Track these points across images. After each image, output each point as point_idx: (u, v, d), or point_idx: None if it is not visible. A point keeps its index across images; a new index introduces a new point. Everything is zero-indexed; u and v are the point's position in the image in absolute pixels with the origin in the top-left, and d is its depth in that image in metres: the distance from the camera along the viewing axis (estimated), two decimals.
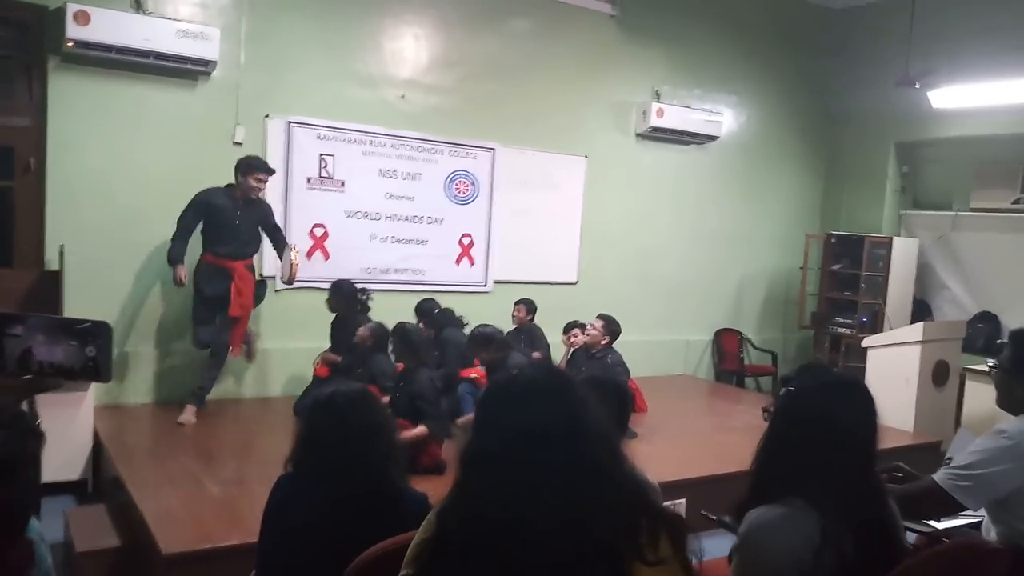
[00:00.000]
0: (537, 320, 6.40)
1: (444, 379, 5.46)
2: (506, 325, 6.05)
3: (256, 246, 5.47)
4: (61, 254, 4.97)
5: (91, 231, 5.35)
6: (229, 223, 5.22)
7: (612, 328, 5.77)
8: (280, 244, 5.54)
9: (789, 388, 1.95)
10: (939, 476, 2.41)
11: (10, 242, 5.35)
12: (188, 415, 5.20)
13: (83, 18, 5.02)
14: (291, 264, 5.32)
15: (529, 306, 6.36)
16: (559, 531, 1.34)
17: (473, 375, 5.45)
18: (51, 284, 5.00)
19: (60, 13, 5.04)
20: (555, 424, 1.42)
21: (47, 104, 5.27)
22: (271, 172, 5.34)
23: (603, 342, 5.71)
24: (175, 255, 5.15)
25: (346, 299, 5.61)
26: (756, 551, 1.80)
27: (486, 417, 1.53)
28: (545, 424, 1.42)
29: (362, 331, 5.15)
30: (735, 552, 1.85)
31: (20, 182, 5.34)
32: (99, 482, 4.70)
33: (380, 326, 5.14)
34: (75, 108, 5.32)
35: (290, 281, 5.42)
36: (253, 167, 5.24)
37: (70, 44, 5.07)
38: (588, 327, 5.86)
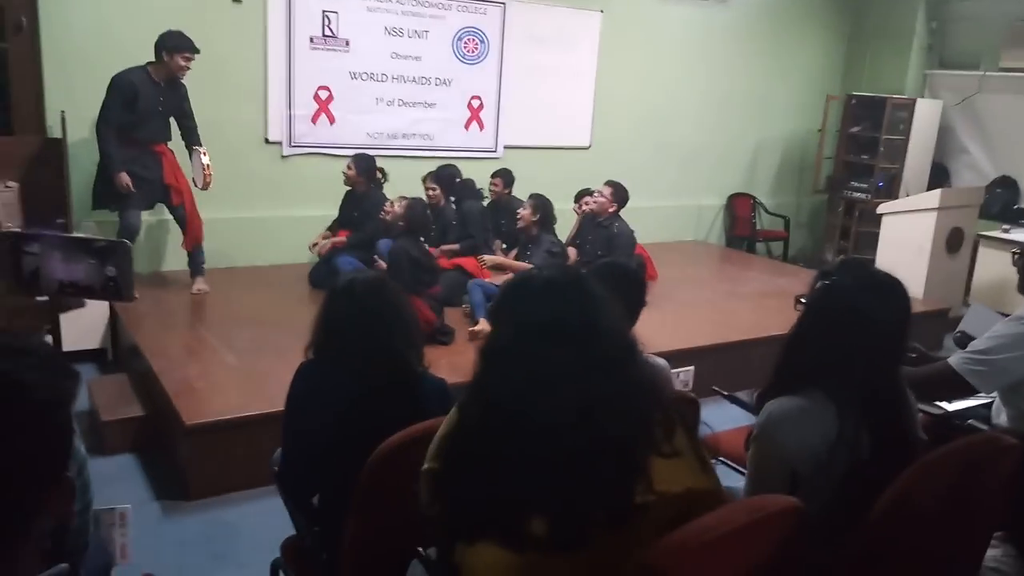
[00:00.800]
0: (547, 187, 6.21)
1: (469, 250, 5.47)
2: (517, 193, 5.96)
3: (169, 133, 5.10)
4: (63, 120, 4.82)
5: (91, 94, 5.18)
6: (152, 107, 4.87)
7: (620, 195, 5.65)
8: (190, 133, 5.10)
9: (825, 282, 1.90)
10: (954, 360, 2.41)
11: (8, 107, 5.21)
12: (201, 284, 5.22)
13: None
14: (203, 168, 5.01)
15: (506, 178, 6.01)
16: (573, 424, 1.36)
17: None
18: (54, 151, 4.89)
19: None
20: (570, 320, 1.43)
21: None
22: (197, 51, 4.89)
23: (610, 210, 5.60)
24: (117, 162, 4.77)
25: (365, 174, 5.50)
26: (772, 443, 1.82)
27: (504, 312, 1.54)
28: (561, 319, 1.43)
29: (393, 207, 5.04)
30: (752, 442, 1.87)
31: (13, 42, 5.13)
32: (118, 351, 4.78)
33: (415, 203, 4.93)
34: None
35: (205, 187, 5.07)
36: (181, 46, 4.80)
37: None
38: (595, 194, 5.74)
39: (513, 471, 1.37)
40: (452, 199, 5.83)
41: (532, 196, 5.33)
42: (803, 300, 2.06)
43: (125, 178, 4.81)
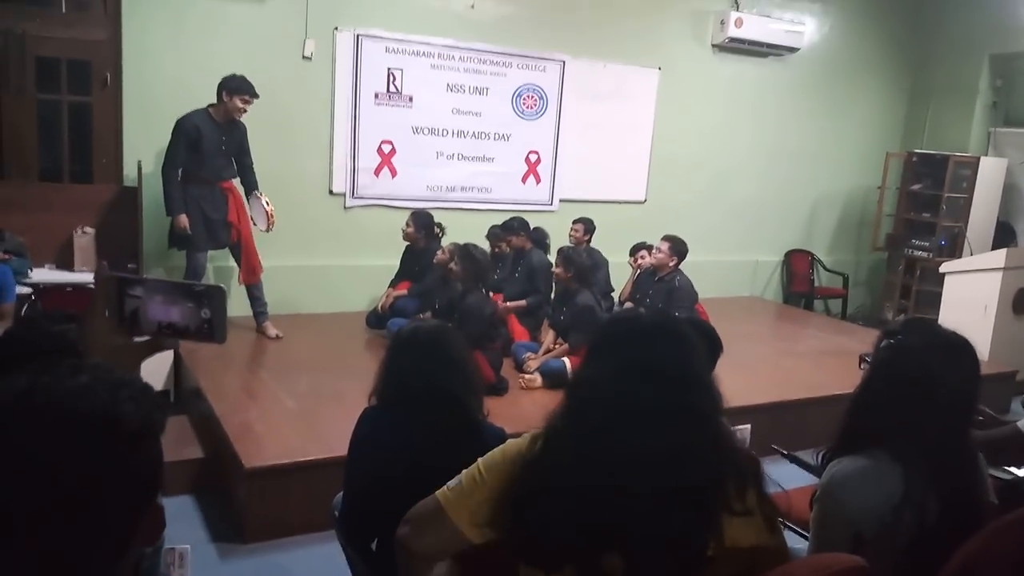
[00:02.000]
0: (603, 240, 6.26)
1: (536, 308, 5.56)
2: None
3: (234, 170, 5.29)
4: (139, 170, 5.07)
5: (165, 147, 5.42)
6: (215, 147, 5.06)
7: (679, 249, 5.60)
8: (247, 172, 5.27)
9: (890, 341, 1.87)
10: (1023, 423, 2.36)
11: (89, 157, 5.47)
12: (273, 329, 5.39)
13: None
14: (266, 211, 5.17)
15: (588, 225, 6.09)
16: (662, 467, 1.38)
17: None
18: (129, 199, 5.13)
19: None
20: (671, 365, 1.46)
21: (121, 17, 5.28)
22: (256, 96, 5.08)
23: (670, 264, 5.59)
24: (177, 204, 4.96)
25: (424, 230, 5.62)
26: (836, 503, 1.79)
27: (606, 347, 1.55)
28: (662, 363, 1.45)
29: (444, 253, 5.12)
30: (816, 502, 1.84)
31: (98, 97, 5.42)
32: (180, 392, 4.91)
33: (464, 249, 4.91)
34: (149, 20, 5.33)
35: (269, 228, 5.23)
36: (241, 88, 4.99)
37: None
38: (654, 249, 5.73)
39: (599, 504, 1.39)
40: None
41: (560, 251, 5.17)
42: (867, 359, 2.03)
43: (183, 220, 4.99)
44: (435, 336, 2.25)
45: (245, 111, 5.08)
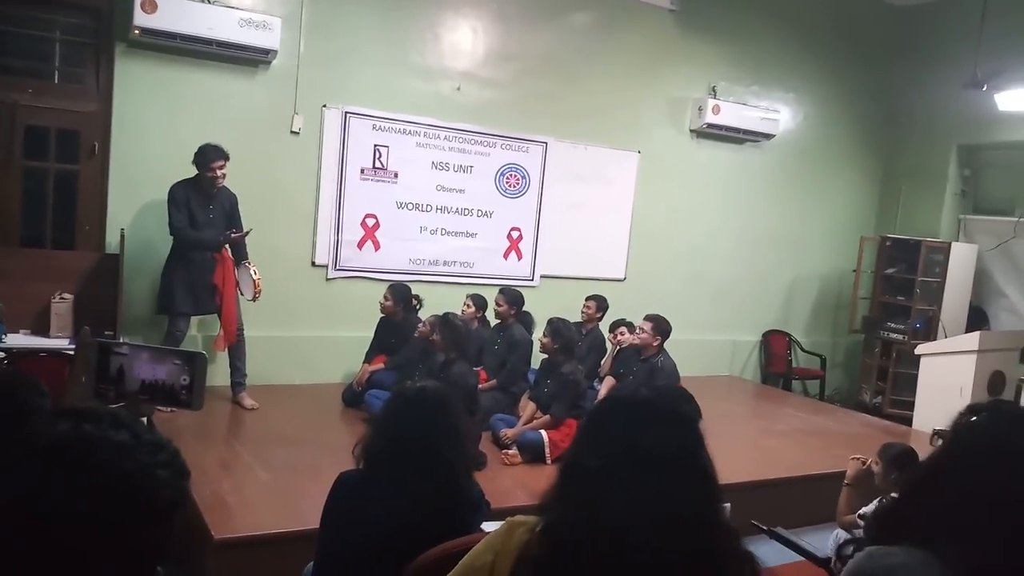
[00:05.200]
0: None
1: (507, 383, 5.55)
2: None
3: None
4: (122, 238, 5.08)
5: (151, 216, 5.46)
6: (204, 216, 5.16)
7: (662, 328, 5.56)
8: (236, 237, 5.31)
9: (974, 419, 1.64)
10: None
11: (73, 225, 5.49)
12: (250, 400, 5.34)
13: (150, 6, 5.12)
14: (253, 280, 5.24)
15: (600, 303, 6.18)
16: (679, 566, 1.32)
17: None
18: (110, 267, 5.12)
19: (128, 1, 5.14)
20: (686, 457, 1.39)
21: (113, 90, 5.39)
22: (227, 157, 5.14)
23: (654, 344, 5.52)
24: (212, 240, 5.13)
25: (402, 303, 5.65)
26: None
27: (600, 431, 1.48)
28: (679, 454, 1.39)
29: (426, 326, 5.11)
30: None
31: (85, 166, 5.48)
32: None
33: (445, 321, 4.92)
34: (139, 94, 5.43)
35: (255, 298, 5.28)
36: (209, 158, 5.07)
37: (137, 31, 5.18)
38: (637, 330, 5.68)
39: None
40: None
41: (550, 322, 5.16)
42: (941, 435, 1.78)
43: (227, 237, 5.15)
44: (441, 400, 2.18)
45: (224, 175, 5.15)
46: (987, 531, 1.39)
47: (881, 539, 1.55)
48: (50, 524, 0.85)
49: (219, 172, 5.12)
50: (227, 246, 5.25)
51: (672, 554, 1.32)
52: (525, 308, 5.92)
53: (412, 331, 5.39)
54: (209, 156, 5.09)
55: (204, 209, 5.15)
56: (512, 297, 5.82)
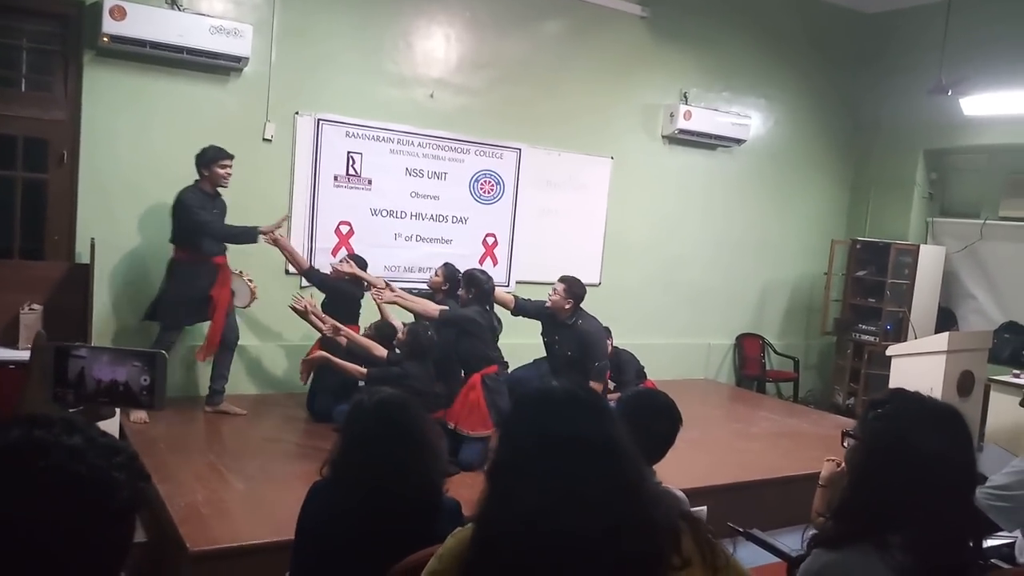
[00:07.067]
0: None
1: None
2: (529, 330, 6.02)
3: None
4: (92, 247, 5.01)
5: (122, 224, 5.41)
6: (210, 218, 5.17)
7: (574, 291, 5.26)
8: (279, 223, 5.39)
9: (879, 411, 1.74)
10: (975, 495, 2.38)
11: (42, 234, 5.42)
12: (234, 408, 5.33)
13: (119, 13, 5.07)
14: (249, 288, 5.29)
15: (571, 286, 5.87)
16: (598, 544, 1.34)
17: None
18: (80, 277, 5.05)
19: (97, 8, 5.10)
20: (594, 439, 1.42)
21: (82, 98, 5.32)
22: (232, 156, 5.19)
23: (566, 307, 5.26)
24: (248, 232, 5.15)
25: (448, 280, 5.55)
26: None
27: (522, 424, 1.51)
28: (586, 437, 1.42)
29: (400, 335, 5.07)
30: None
31: (54, 175, 5.40)
32: None
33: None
34: (109, 102, 5.37)
35: (247, 306, 5.38)
36: (217, 156, 5.11)
37: (106, 39, 5.12)
38: (550, 293, 5.38)
39: None
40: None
41: (562, 279, 5.33)
42: (851, 434, 1.88)
43: (262, 229, 5.14)
44: (401, 406, 2.17)
45: (230, 175, 5.17)
46: (916, 510, 1.56)
47: (825, 541, 1.68)
48: (3, 529, 0.85)
49: (228, 170, 5.14)
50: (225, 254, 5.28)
51: (587, 533, 1.33)
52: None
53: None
54: (219, 154, 5.11)
55: (208, 212, 5.16)
56: (449, 272, 5.58)
